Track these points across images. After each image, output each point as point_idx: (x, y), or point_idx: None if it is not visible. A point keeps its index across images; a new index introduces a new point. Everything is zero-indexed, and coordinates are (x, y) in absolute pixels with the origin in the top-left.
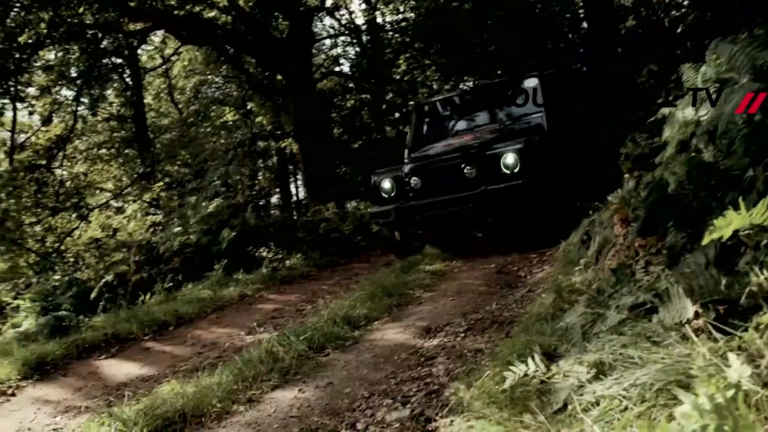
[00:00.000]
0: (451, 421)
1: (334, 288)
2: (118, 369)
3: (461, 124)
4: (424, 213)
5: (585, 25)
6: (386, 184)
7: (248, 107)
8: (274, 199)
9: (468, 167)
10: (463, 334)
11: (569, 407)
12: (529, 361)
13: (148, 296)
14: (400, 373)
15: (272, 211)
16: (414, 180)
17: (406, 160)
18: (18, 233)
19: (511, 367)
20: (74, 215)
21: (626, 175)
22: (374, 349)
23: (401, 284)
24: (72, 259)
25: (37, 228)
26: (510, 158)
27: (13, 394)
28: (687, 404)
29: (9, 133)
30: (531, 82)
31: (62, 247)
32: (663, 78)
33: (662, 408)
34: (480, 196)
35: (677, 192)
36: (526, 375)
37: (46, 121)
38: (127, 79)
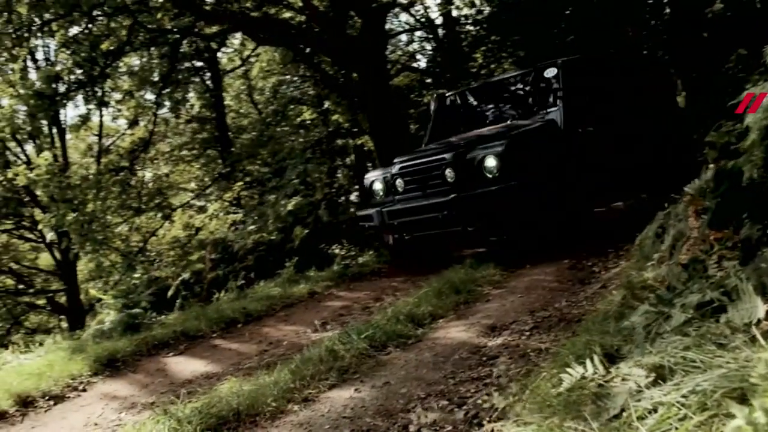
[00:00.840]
0: (502, 425)
1: (404, 285)
2: (184, 366)
3: (477, 120)
4: (401, 218)
5: (668, 10)
6: (377, 185)
7: (325, 106)
8: (353, 197)
9: (449, 170)
10: (528, 333)
11: (625, 414)
12: (588, 363)
13: (222, 294)
14: (460, 373)
15: (351, 209)
16: (398, 182)
17: (395, 160)
18: (104, 233)
19: (568, 369)
20: (159, 215)
21: (710, 165)
22: (435, 348)
23: (470, 281)
24: (153, 258)
25: (122, 228)
26: (490, 161)
27: (84, 390)
28: (740, 418)
29: (96, 137)
30: (550, 72)
31: (147, 246)
32: (753, 63)
33: (724, 418)
34: (452, 203)
35: (754, 181)
36: (583, 378)
37: (132, 124)
38: (208, 82)
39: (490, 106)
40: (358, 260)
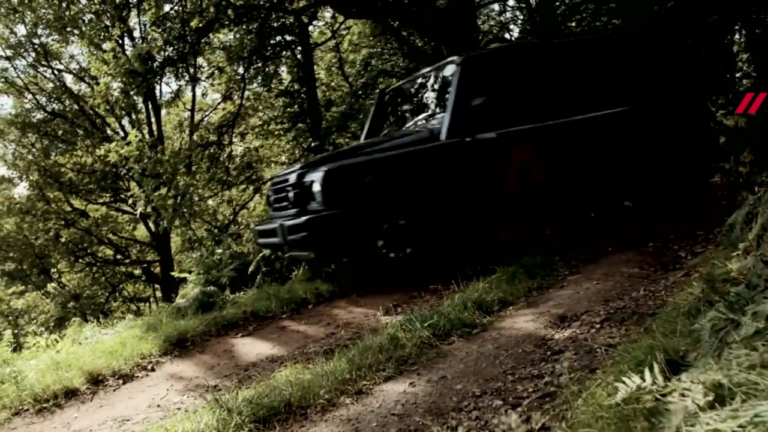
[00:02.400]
0: None
1: (483, 263)
2: (251, 348)
3: (402, 119)
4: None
5: None
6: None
7: None
8: None
9: (292, 192)
10: (599, 326)
11: None
12: (647, 371)
13: (299, 271)
14: (520, 368)
15: None
16: (271, 198)
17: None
18: (192, 208)
19: (625, 378)
20: (251, 188)
21: None
22: (499, 339)
23: (546, 264)
24: (241, 232)
25: (210, 202)
26: (315, 186)
27: (152, 369)
28: None
29: (189, 113)
30: (449, 71)
31: (237, 220)
32: None
33: None
34: (277, 230)
35: None
36: (640, 388)
37: (225, 98)
38: (299, 55)
39: (414, 104)
40: None
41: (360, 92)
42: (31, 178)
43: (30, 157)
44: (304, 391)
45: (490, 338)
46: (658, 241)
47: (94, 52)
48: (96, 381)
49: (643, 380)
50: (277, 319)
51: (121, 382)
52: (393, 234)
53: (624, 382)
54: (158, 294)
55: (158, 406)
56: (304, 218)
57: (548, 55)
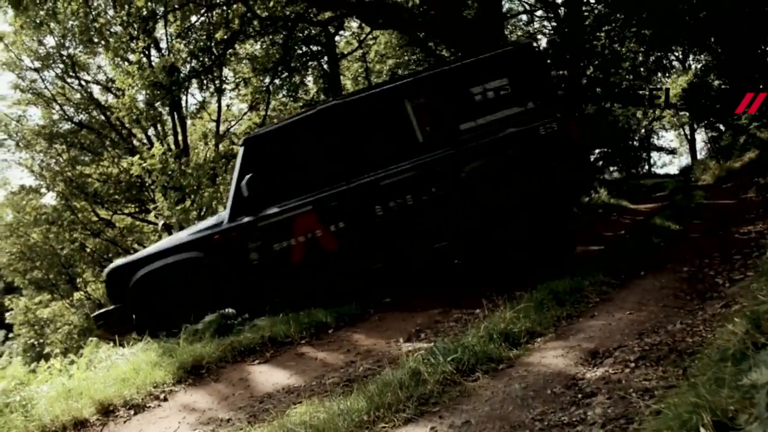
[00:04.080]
0: None
1: (509, 286)
2: (267, 376)
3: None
4: None
5: None
6: None
7: None
8: None
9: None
10: (633, 364)
11: None
12: None
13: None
14: (549, 414)
15: None
16: None
17: None
18: None
19: None
20: None
21: None
22: (527, 378)
23: (576, 290)
24: None
25: None
26: (106, 282)
27: (165, 399)
28: None
29: (214, 124)
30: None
31: None
32: None
33: None
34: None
35: None
36: None
37: (251, 108)
38: (325, 66)
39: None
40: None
41: None
42: (57, 188)
43: (56, 167)
44: None
45: (517, 376)
46: (692, 265)
47: (120, 64)
48: (107, 411)
49: None
50: (296, 345)
51: (132, 412)
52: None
53: None
54: None
55: None
56: (98, 311)
57: (340, 117)
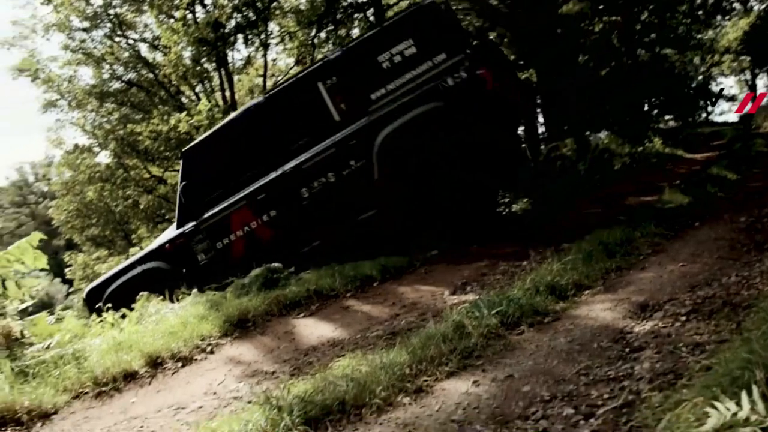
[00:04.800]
0: None
1: (557, 238)
2: (312, 329)
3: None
4: None
5: None
6: None
7: (490, 38)
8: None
9: None
10: (684, 318)
11: None
12: (743, 395)
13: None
14: (595, 368)
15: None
16: None
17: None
18: None
19: (717, 403)
20: None
21: None
22: (573, 331)
23: (626, 241)
24: None
25: None
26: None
27: (212, 352)
28: None
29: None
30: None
31: None
32: None
33: None
34: None
35: None
36: (735, 416)
37: (298, 62)
38: (371, 17)
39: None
40: (512, 207)
41: None
42: (109, 146)
43: (108, 126)
44: (360, 387)
45: (563, 329)
46: (750, 214)
47: (165, 21)
48: (155, 364)
49: (739, 407)
50: (341, 298)
51: (179, 365)
52: None
53: (715, 407)
54: None
55: (214, 393)
56: None
57: (263, 113)
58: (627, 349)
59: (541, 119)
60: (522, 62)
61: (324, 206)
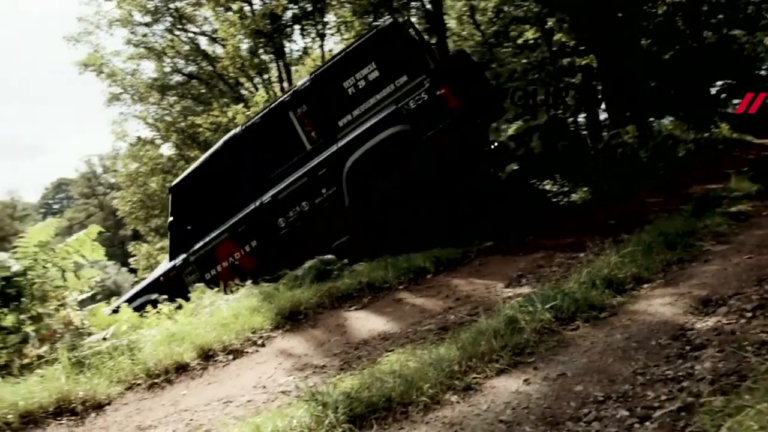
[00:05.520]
0: None
1: (616, 230)
2: (364, 322)
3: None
4: None
5: None
6: None
7: (548, 24)
8: (581, 118)
9: None
10: (749, 314)
11: None
12: None
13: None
14: (653, 367)
15: (582, 133)
16: None
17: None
18: None
19: None
20: None
21: None
22: (630, 327)
23: (689, 232)
24: None
25: None
26: None
27: (263, 345)
28: None
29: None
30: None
31: None
32: None
33: None
34: None
35: None
36: None
37: None
38: (428, 5)
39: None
40: (570, 197)
41: (492, 40)
42: (171, 138)
43: (169, 118)
44: (408, 384)
45: (619, 325)
46: None
47: (222, 14)
48: (207, 356)
49: None
50: (394, 291)
51: (231, 357)
52: None
53: None
54: None
55: (263, 387)
56: None
57: (241, 144)
58: (687, 347)
59: (602, 106)
60: (582, 48)
61: (300, 234)
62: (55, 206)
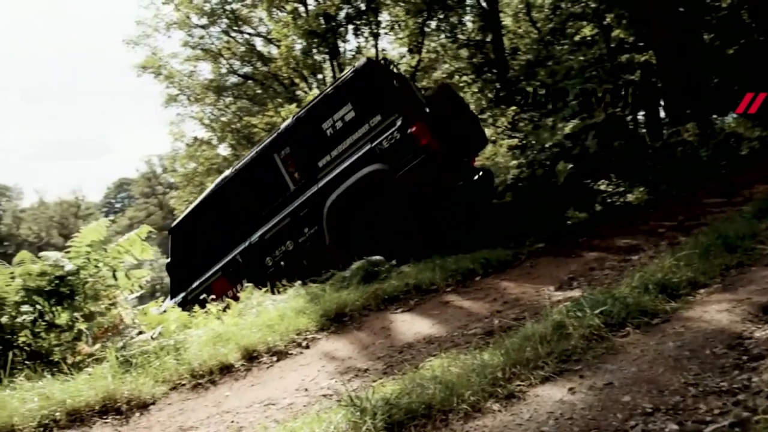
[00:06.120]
0: None
1: (673, 232)
2: (410, 325)
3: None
4: None
5: None
6: None
7: (606, 20)
8: (641, 116)
9: None
10: None
11: None
12: None
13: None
14: (706, 378)
15: (641, 131)
16: None
17: None
18: None
19: None
20: None
21: None
22: (684, 335)
23: (750, 235)
24: None
25: None
26: None
27: (307, 347)
28: None
29: None
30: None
31: None
32: None
33: None
34: None
35: None
36: None
37: (411, 51)
38: (483, 2)
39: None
40: (626, 197)
41: (548, 38)
42: (226, 138)
43: (225, 119)
44: (449, 391)
45: (672, 332)
46: None
47: (276, 15)
48: (251, 357)
49: None
50: (441, 293)
51: (275, 359)
52: None
53: None
54: None
55: (305, 390)
56: None
57: (233, 186)
58: (744, 357)
59: (662, 102)
60: (641, 44)
61: (287, 272)
62: (117, 205)
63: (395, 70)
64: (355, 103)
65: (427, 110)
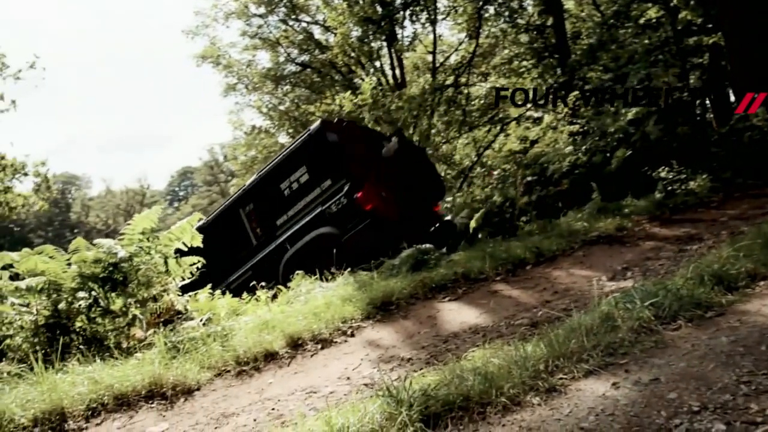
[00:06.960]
0: None
1: (736, 222)
2: (456, 314)
3: None
4: None
5: None
6: None
7: (673, 2)
8: (708, 102)
9: None
10: None
11: None
12: None
13: (525, 225)
14: (760, 375)
15: (708, 117)
16: None
17: None
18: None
19: None
20: (497, 128)
21: None
22: (738, 329)
23: None
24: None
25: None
26: None
27: (352, 335)
28: None
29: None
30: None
31: (483, 160)
32: None
33: None
34: None
35: None
36: None
37: (471, 36)
38: None
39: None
40: (687, 185)
41: (612, 21)
42: (284, 126)
43: (282, 107)
44: (488, 383)
45: (726, 326)
46: None
47: (331, 3)
48: (296, 345)
49: None
50: (490, 282)
51: (319, 347)
52: None
53: None
54: None
55: (348, 378)
56: None
57: (206, 234)
58: None
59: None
60: (710, 26)
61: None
62: (181, 193)
63: (354, 126)
64: (309, 167)
65: (384, 164)
